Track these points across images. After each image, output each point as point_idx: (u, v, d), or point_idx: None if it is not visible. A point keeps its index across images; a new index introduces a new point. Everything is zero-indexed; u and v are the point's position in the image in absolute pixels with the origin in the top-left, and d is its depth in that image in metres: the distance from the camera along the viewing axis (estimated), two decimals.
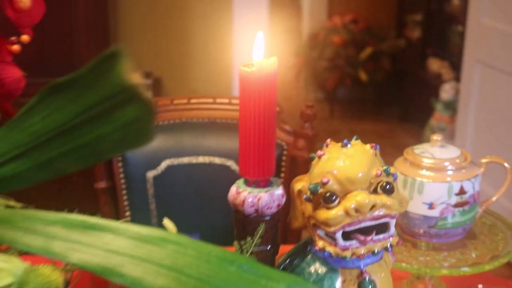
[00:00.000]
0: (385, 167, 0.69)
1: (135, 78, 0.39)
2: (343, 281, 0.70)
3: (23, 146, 0.50)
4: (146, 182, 1.55)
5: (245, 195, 0.71)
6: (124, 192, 1.56)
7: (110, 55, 0.40)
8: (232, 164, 1.53)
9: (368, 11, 5.18)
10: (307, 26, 5.29)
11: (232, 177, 1.50)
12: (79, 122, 0.46)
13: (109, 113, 0.44)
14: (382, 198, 0.67)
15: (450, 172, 0.95)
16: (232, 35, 2.57)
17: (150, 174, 1.55)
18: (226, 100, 1.59)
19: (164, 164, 1.54)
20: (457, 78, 3.82)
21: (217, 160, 1.54)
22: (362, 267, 0.70)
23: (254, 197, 0.71)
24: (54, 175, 0.51)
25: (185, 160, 1.54)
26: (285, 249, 0.78)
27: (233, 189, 0.73)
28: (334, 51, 4.91)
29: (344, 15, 5.07)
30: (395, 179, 0.70)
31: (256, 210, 0.72)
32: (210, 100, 1.59)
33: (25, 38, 0.71)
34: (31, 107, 0.49)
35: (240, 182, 0.74)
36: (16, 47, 0.70)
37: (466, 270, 0.92)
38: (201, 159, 1.54)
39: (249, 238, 0.72)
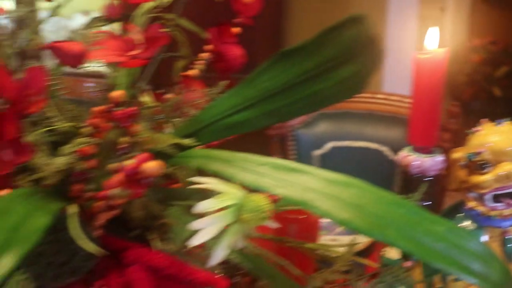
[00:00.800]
0: None
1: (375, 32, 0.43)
2: (489, 238, 0.72)
3: (253, 99, 0.53)
4: (312, 159, 1.59)
5: (413, 158, 0.75)
6: None
7: (348, 20, 0.44)
8: (385, 150, 1.55)
9: (506, 34, 4.97)
10: (449, 45, 5.15)
11: (384, 160, 1.53)
12: (302, 80, 0.50)
13: (328, 72, 0.48)
14: None
15: None
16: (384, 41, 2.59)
17: (317, 152, 1.59)
18: (383, 96, 1.62)
19: (329, 145, 1.58)
20: None
21: (373, 146, 1.56)
22: (506, 226, 0.71)
23: (419, 160, 0.74)
24: (276, 122, 0.55)
25: (346, 143, 1.57)
26: None
27: (402, 153, 0.76)
28: (472, 68, 4.76)
29: (484, 37, 4.90)
30: None
31: (421, 171, 0.75)
32: (369, 95, 1.62)
33: (236, 29, 0.77)
34: (263, 69, 0.53)
35: (408, 148, 0.77)
36: (235, 33, 0.76)
37: None
38: (359, 144, 1.57)
39: (412, 194, 0.75)
